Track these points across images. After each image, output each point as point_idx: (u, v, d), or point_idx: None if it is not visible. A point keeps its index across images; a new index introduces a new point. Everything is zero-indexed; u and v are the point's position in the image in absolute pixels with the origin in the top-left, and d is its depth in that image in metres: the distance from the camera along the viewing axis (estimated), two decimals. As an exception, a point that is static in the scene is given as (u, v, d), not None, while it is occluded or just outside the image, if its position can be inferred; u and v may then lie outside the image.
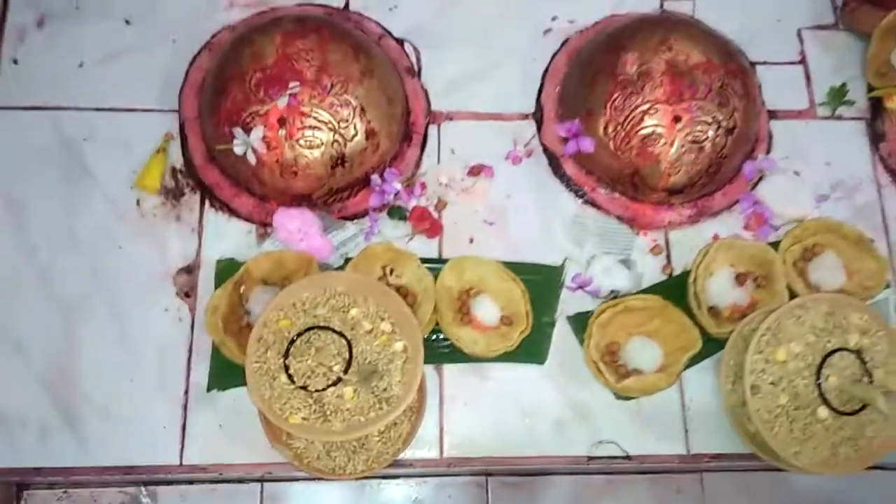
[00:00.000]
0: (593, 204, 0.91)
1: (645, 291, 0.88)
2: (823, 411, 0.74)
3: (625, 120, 0.86)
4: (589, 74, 0.90)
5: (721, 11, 1.01)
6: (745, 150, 0.91)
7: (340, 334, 0.71)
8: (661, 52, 0.86)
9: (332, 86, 0.81)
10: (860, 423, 0.74)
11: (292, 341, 0.71)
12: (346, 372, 0.70)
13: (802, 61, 1.00)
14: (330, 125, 0.81)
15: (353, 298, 0.74)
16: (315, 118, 0.81)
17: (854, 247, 0.89)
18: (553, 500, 1.45)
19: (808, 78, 0.99)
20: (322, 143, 0.81)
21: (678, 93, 0.85)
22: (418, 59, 0.97)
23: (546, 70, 0.96)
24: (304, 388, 0.69)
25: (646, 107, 0.85)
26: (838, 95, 0.97)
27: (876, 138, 0.96)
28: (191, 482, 1.36)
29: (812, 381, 0.74)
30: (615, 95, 0.86)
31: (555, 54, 0.97)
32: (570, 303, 0.88)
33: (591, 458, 0.83)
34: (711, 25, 0.99)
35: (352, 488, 1.46)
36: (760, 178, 0.93)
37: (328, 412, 0.69)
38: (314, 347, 0.71)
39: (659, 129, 0.85)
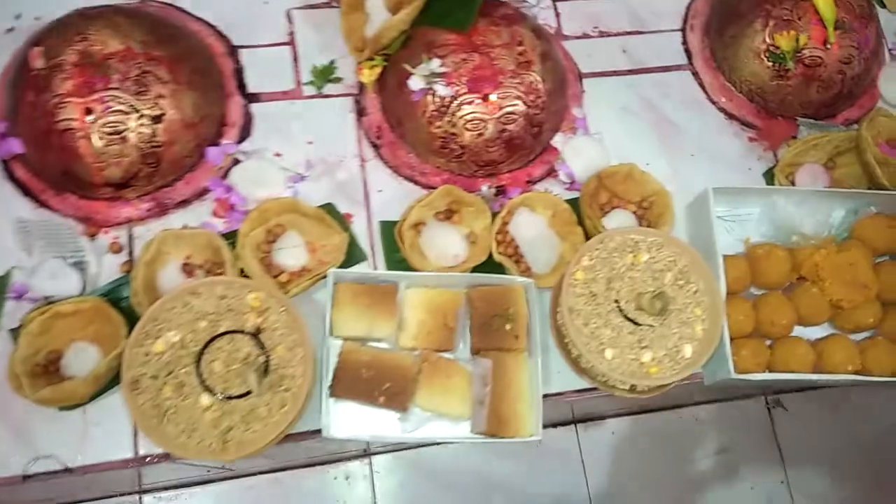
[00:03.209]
0: (48, 206, 0.87)
1: (103, 293, 0.84)
2: (206, 398, 0.72)
3: (40, 117, 0.81)
4: (14, 73, 0.85)
5: (207, -3, 0.99)
6: (204, 134, 0.89)
7: None
8: (75, 44, 0.82)
9: None
10: (252, 405, 0.73)
11: None
12: None
13: (291, 42, 0.99)
14: None
15: None
16: None
17: (316, 224, 0.89)
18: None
19: (295, 58, 0.98)
20: None
21: (90, 84, 0.81)
22: None
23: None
24: None
25: (56, 101, 0.81)
26: (324, 74, 0.97)
27: (361, 113, 0.97)
28: None
29: (194, 369, 0.73)
30: (28, 93, 0.82)
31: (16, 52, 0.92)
32: (17, 314, 0.83)
33: (26, 478, 0.79)
34: (195, 12, 0.97)
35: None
36: (237, 163, 0.92)
37: None
38: None
39: (73, 124, 0.81)
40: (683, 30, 1.07)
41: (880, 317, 0.91)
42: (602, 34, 1.05)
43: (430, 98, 0.88)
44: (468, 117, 0.88)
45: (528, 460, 1.50)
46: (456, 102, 0.88)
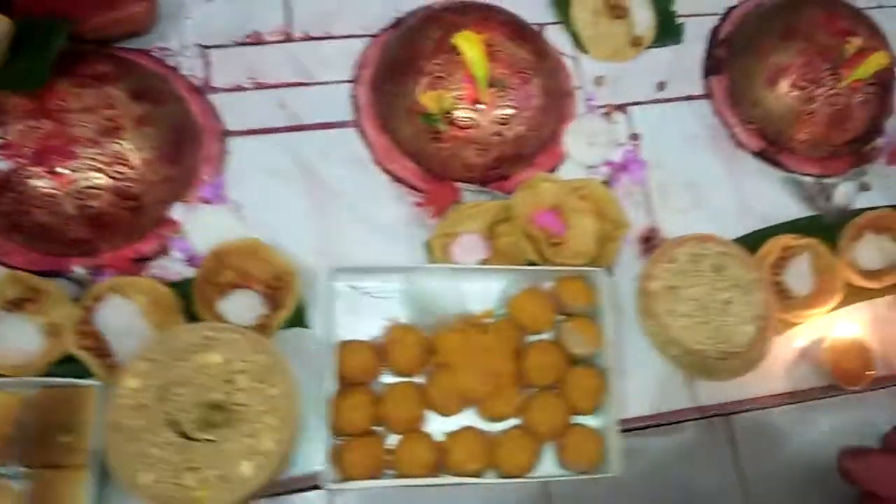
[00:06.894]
0: None
1: None
2: None
3: None
4: None
5: None
6: None
7: None
8: None
9: None
10: None
11: None
12: None
13: None
14: None
15: None
16: None
17: None
18: None
19: None
20: None
21: None
22: None
23: None
24: None
25: None
26: None
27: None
28: None
29: None
30: None
31: None
32: None
33: None
34: None
35: None
36: None
37: None
38: None
39: None
40: (354, 81, 0.98)
41: (519, 406, 0.83)
42: (259, 86, 0.95)
43: (-11, 172, 0.76)
44: (35, 193, 0.76)
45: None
46: (19, 176, 0.76)
